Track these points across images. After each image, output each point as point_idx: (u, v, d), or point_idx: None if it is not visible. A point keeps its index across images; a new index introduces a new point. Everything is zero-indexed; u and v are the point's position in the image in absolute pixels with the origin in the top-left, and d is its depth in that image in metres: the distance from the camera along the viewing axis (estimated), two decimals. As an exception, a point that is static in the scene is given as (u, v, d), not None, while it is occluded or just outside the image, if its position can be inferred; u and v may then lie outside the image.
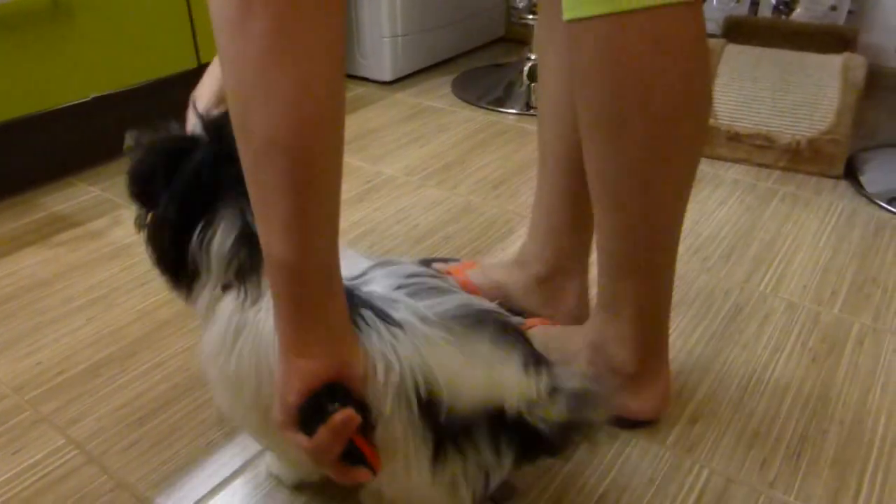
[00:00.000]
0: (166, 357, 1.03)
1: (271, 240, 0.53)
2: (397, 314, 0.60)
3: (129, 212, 1.42)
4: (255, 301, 0.62)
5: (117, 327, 1.09)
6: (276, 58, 0.49)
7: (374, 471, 0.59)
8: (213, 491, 0.83)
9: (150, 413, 0.94)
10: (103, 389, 0.97)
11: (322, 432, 0.55)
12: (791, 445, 0.87)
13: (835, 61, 1.59)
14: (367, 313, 0.60)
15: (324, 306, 0.55)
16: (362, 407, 0.57)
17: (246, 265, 0.62)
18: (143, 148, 0.66)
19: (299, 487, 0.82)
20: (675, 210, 0.76)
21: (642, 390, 0.85)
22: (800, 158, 1.55)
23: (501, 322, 0.65)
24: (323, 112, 0.52)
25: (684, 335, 1.06)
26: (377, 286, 0.63)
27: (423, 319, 0.60)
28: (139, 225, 0.68)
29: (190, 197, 0.63)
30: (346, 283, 0.59)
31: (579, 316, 1.00)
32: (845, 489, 0.82)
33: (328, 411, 0.55)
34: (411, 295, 0.62)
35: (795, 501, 0.80)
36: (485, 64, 2.23)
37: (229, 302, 0.64)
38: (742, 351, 1.03)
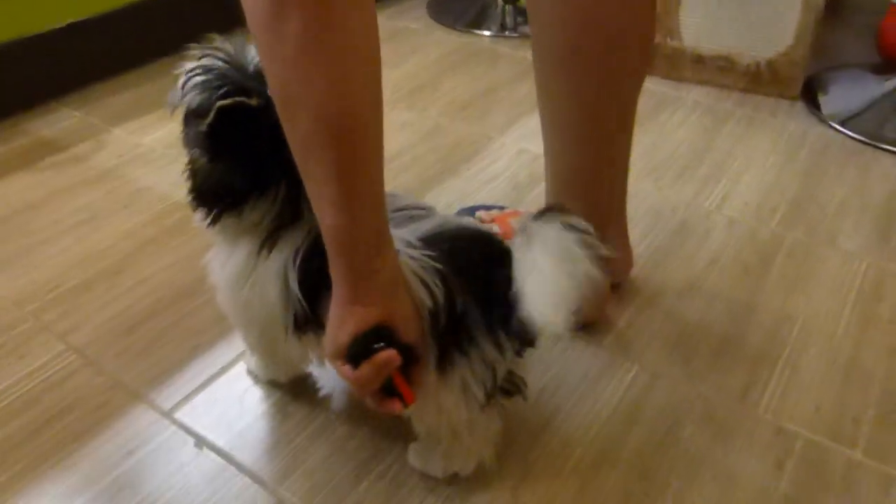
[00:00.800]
0: (151, 273, 1.12)
1: (323, 213, 0.59)
2: (405, 234, 0.69)
3: (110, 136, 1.48)
4: (270, 252, 0.72)
5: (105, 246, 1.18)
6: (311, 58, 0.53)
7: (406, 404, 0.67)
8: (199, 387, 0.93)
9: (140, 322, 1.03)
10: (96, 302, 1.07)
11: (365, 367, 0.63)
12: (712, 345, 0.98)
13: (797, -18, 1.62)
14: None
15: (373, 263, 0.62)
16: (405, 349, 0.65)
17: (283, 224, 0.71)
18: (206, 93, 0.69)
19: (273, 384, 0.93)
20: (620, 134, 0.86)
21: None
22: (759, 80, 1.61)
23: (476, 232, 0.74)
24: (361, 103, 0.56)
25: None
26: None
27: (408, 244, 0.68)
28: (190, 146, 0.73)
29: (256, 151, 0.68)
30: None
31: (624, 263, 1.05)
32: (756, 382, 0.93)
33: (373, 349, 0.63)
34: (396, 226, 0.68)
35: (710, 391, 0.91)
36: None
37: (249, 241, 0.73)
38: (682, 263, 1.13)
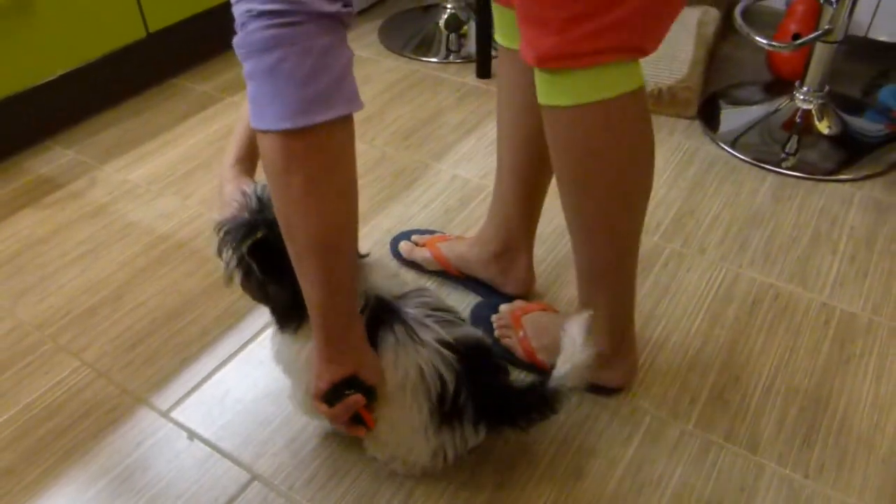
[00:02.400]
0: (146, 298, 1.37)
1: (311, 293, 0.82)
2: (423, 335, 0.91)
3: (101, 173, 1.71)
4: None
5: (105, 275, 1.43)
6: (309, 199, 0.75)
7: (368, 429, 0.94)
8: (190, 391, 1.19)
9: (140, 340, 1.29)
10: (103, 324, 1.32)
11: (338, 407, 0.89)
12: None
13: (692, 16, 1.88)
14: (400, 330, 0.91)
15: (345, 332, 0.85)
16: (368, 390, 0.90)
17: None
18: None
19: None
20: (632, 238, 1.00)
21: (615, 367, 1.14)
22: (661, 102, 1.87)
23: (486, 346, 0.99)
24: (342, 229, 0.79)
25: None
26: (412, 309, 0.93)
27: (440, 342, 0.91)
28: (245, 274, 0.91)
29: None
30: (391, 299, 0.92)
31: (527, 281, 1.30)
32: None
33: (344, 394, 0.88)
34: (435, 323, 0.93)
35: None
36: (412, 6, 2.46)
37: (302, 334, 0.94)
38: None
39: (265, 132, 0.73)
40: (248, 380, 1.22)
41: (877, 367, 1.21)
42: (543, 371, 1.00)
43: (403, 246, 1.42)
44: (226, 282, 0.91)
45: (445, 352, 0.91)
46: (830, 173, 1.66)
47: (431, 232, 1.46)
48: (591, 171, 0.92)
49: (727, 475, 1.05)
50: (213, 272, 1.42)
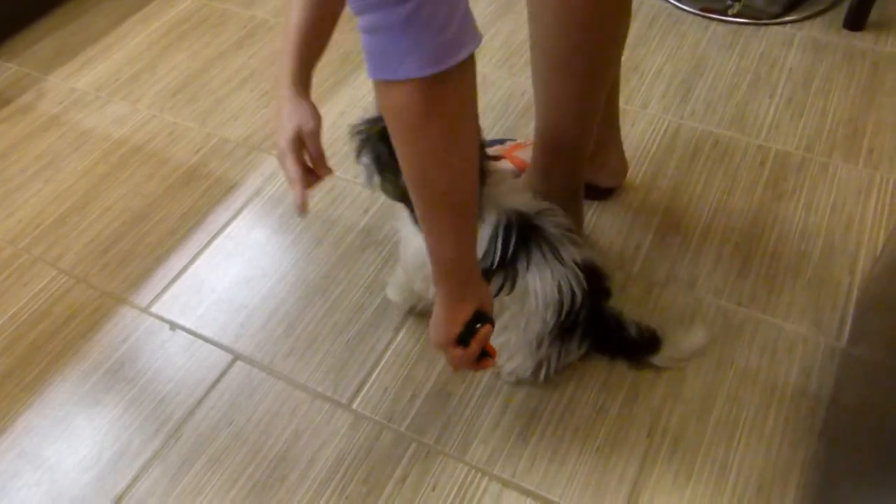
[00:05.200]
0: (111, 203, 1.41)
1: (440, 250, 0.81)
2: (564, 254, 0.96)
3: (47, 84, 1.70)
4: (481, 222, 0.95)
5: (68, 185, 1.46)
6: (450, 146, 0.72)
7: (493, 358, 0.91)
8: (167, 286, 1.26)
9: (112, 243, 1.34)
10: (73, 232, 1.37)
11: (473, 343, 0.86)
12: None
13: None
14: (546, 248, 0.95)
15: (470, 276, 0.84)
16: (491, 321, 0.88)
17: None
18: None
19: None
20: (599, 102, 1.08)
21: (606, 165, 1.23)
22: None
23: (603, 271, 1.04)
24: (473, 177, 0.77)
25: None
26: (552, 229, 0.97)
27: (575, 262, 0.97)
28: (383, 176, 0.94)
29: None
30: (532, 214, 0.96)
31: (621, 172, 1.30)
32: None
33: (477, 329, 0.86)
34: (571, 242, 0.97)
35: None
36: None
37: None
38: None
39: (401, 82, 0.68)
40: (220, 270, 1.28)
41: (807, 200, 1.29)
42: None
43: None
44: (367, 183, 0.94)
45: (579, 272, 0.96)
46: (776, 17, 1.67)
47: (501, 141, 1.42)
48: (579, 38, 0.98)
49: (668, 311, 1.15)
50: (173, 173, 1.46)
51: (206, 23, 1.83)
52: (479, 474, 1.01)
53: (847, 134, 1.40)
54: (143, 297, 1.25)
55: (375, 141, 0.92)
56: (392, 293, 1.19)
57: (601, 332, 1.05)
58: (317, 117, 0.94)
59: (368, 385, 1.11)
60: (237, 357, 1.16)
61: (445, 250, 0.81)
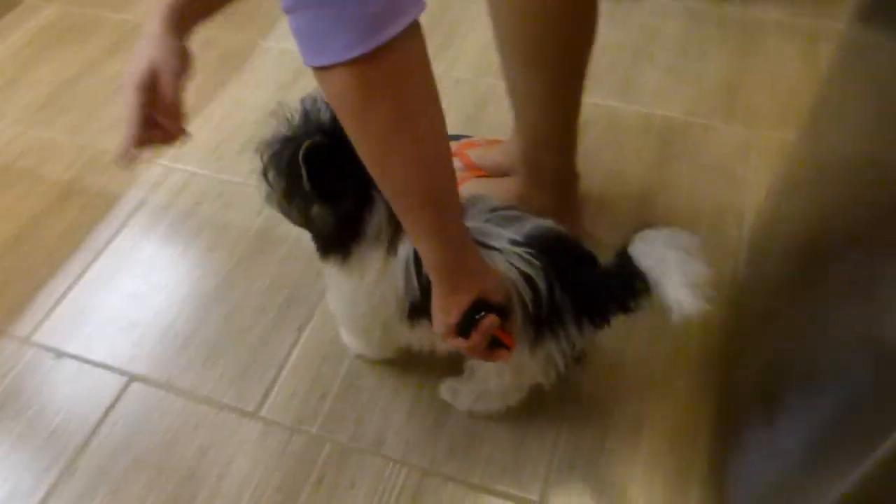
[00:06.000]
0: (-21, 230, 1.31)
1: (426, 252, 0.72)
2: (493, 241, 0.81)
3: None
4: (395, 253, 0.82)
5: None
6: (403, 133, 0.62)
7: (510, 350, 0.80)
8: (48, 313, 1.18)
9: (-19, 274, 1.24)
10: (-64, 266, 1.26)
11: (474, 335, 0.76)
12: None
13: None
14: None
15: (463, 261, 0.74)
16: (500, 309, 0.78)
17: (394, 235, 0.82)
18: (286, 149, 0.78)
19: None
20: (578, 94, 1.04)
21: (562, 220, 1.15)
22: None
23: (564, 234, 0.86)
24: (441, 165, 0.67)
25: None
26: (472, 221, 0.82)
27: (512, 241, 0.81)
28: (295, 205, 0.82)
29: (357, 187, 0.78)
30: None
31: (563, 182, 1.18)
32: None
33: (476, 319, 0.76)
34: (499, 225, 0.82)
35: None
36: None
37: (376, 252, 0.82)
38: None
39: (330, 68, 0.59)
40: (106, 289, 1.21)
41: (693, 161, 1.33)
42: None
43: None
44: (267, 201, 0.83)
45: (521, 250, 0.81)
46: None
47: (456, 137, 1.34)
48: (546, 34, 0.94)
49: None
50: (47, 191, 1.36)
51: (73, 30, 1.73)
52: (398, 466, 0.98)
53: (724, 96, 1.45)
54: (23, 326, 1.16)
55: (280, 164, 0.80)
56: (349, 341, 1.08)
57: (594, 299, 0.84)
58: (183, 57, 0.77)
59: (275, 390, 1.07)
60: (132, 378, 1.09)
61: (427, 247, 0.72)
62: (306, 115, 0.78)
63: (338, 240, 0.83)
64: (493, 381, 0.95)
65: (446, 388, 1.03)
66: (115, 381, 1.09)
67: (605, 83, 1.49)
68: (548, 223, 0.86)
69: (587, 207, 1.26)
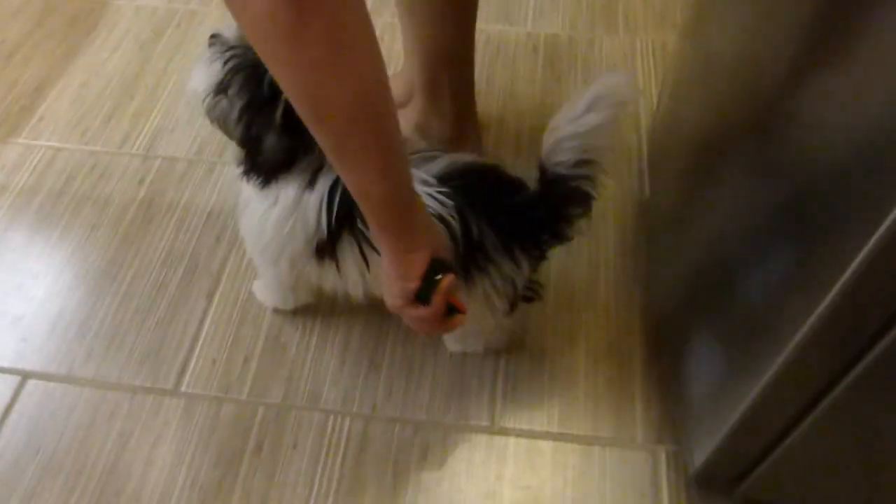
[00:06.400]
0: None
1: (371, 187, 0.64)
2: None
3: None
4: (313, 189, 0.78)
5: None
6: (337, 54, 0.55)
7: (464, 313, 0.75)
8: None
9: None
10: None
11: (436, 298, 0.70)
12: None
13: None
14: None
15: (414, 214, 0.68)
16: (451, 268, 0.72)
17: (321, 165, 0.77)
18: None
19: (275, 311, 1.04)
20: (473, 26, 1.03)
21: (460, 148, 1.09)
22: None
23: (484, 167, 0.83)
24: (379, 88, 0.60)
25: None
26: None
27: (424, 182, 0.76)
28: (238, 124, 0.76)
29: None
30: None
31: (462, 104, 1.14)
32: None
33: (437, 281, 0.70)
34: (412, 167, 0.73)
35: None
36: None
37: (295, 183, 0.78)
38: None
39: None
40: (-23, 287, 1.07)
41: (583, 74, 1.33)
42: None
43: None
44: (207, 111, 0.77)
45: (432, 190, 0.76)
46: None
47: None
48: None
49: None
50: None
51: None
52: (339, 417, 0.94)
53: (603, 8, 1.46)
54: None
55: (248, 81, 0.74)
56: (263, 296, 1.02)
57: (523, 230, 0.81)
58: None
59: (193, 362, 0.99)
60: (26, 376, 0.98)
61: (370, 187, 0.65)
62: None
63: (271, 168, 0.77)
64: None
65: (450, 340, 0.99)
66: (7, 382, 0.97)
67: (488, 8, 1.46)
68: (465, 157, 0.82)
69: (487, 133, 1.23)
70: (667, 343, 0.96)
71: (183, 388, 0.97)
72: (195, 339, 1.01)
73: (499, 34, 1.41)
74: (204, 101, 0.77)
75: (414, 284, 0.70)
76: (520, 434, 0.93)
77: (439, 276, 0.70)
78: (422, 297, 0.70)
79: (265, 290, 1.02)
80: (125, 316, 1.03)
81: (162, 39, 1.41)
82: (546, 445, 0.92)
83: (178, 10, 1.47)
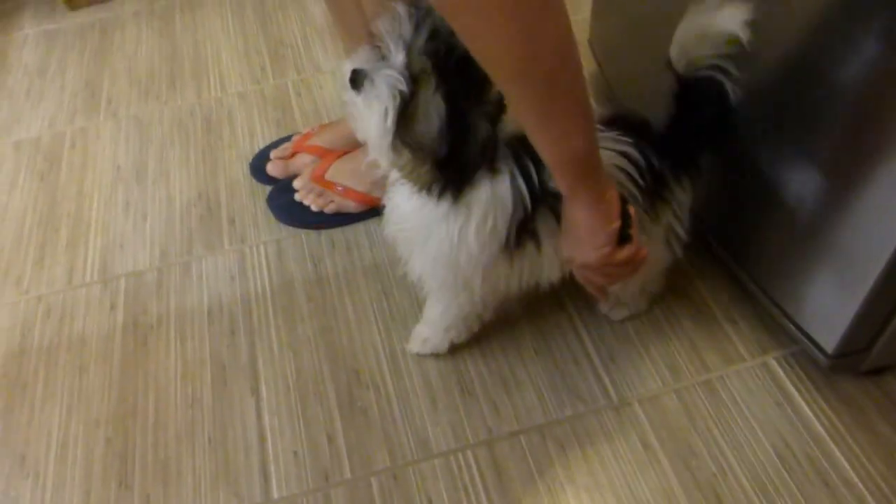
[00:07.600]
0: None
1: (570, 144, 0.64)
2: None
3: None
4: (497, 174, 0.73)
5: None
6: (547, 13, 0.56)
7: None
8: None
9: None
10: None
11: (635, 232, 0.72)
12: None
13: None
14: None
15: (599, 156, 0.68)
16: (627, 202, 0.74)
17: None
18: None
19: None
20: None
21: None
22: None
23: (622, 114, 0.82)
24: (572, 33, 0.59)
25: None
26: None
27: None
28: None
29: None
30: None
31: None
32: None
33: (629, 214, 0.71)
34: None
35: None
36: None
37: (480, 189, 0.73)
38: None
39: None
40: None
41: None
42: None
43: (272, 167, 1.19)
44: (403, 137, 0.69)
45: (610, 133, 0.77)
46: None
47: (288, 138, 1.24)
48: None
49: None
50: None
51: None
52: (459, 453, 0.85)
53: (86, 97, 1.39)
54: None
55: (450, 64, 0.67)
56: (425, 345, 0.93)
57: (680, 150, 0.83)
58: None
59: (272, 464, 0.86)
60: None
61: (576, 142, 0.65)
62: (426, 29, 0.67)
63: (474, 166, 0.72)
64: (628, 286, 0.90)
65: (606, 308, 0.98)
66: None
67: None
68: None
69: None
70: (741, 263, 0.95)
71: (276, 496, 0.83)
72: (262, 439, 0.88)
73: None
74: (390, 139, 0.69)
75: (617, 223, 0.71)
76: (641, 399, 0.89)
77: (627, 209, 0.72)
78: (624, 234, 0.71)
79: (434, 333, 0.92)
80: (168, 448, 0.88)
81: (62, 164, 1.26)
82: (670, 400, 0.89)
83: (66, 132, 1.32)
